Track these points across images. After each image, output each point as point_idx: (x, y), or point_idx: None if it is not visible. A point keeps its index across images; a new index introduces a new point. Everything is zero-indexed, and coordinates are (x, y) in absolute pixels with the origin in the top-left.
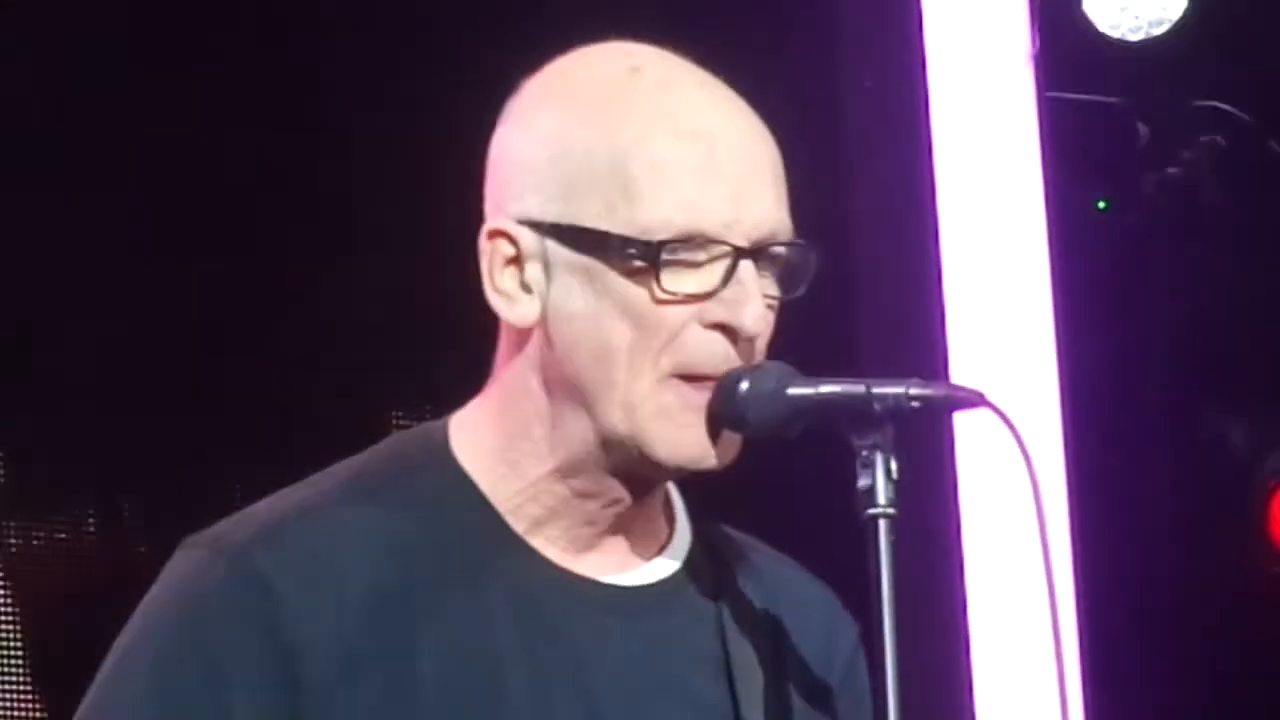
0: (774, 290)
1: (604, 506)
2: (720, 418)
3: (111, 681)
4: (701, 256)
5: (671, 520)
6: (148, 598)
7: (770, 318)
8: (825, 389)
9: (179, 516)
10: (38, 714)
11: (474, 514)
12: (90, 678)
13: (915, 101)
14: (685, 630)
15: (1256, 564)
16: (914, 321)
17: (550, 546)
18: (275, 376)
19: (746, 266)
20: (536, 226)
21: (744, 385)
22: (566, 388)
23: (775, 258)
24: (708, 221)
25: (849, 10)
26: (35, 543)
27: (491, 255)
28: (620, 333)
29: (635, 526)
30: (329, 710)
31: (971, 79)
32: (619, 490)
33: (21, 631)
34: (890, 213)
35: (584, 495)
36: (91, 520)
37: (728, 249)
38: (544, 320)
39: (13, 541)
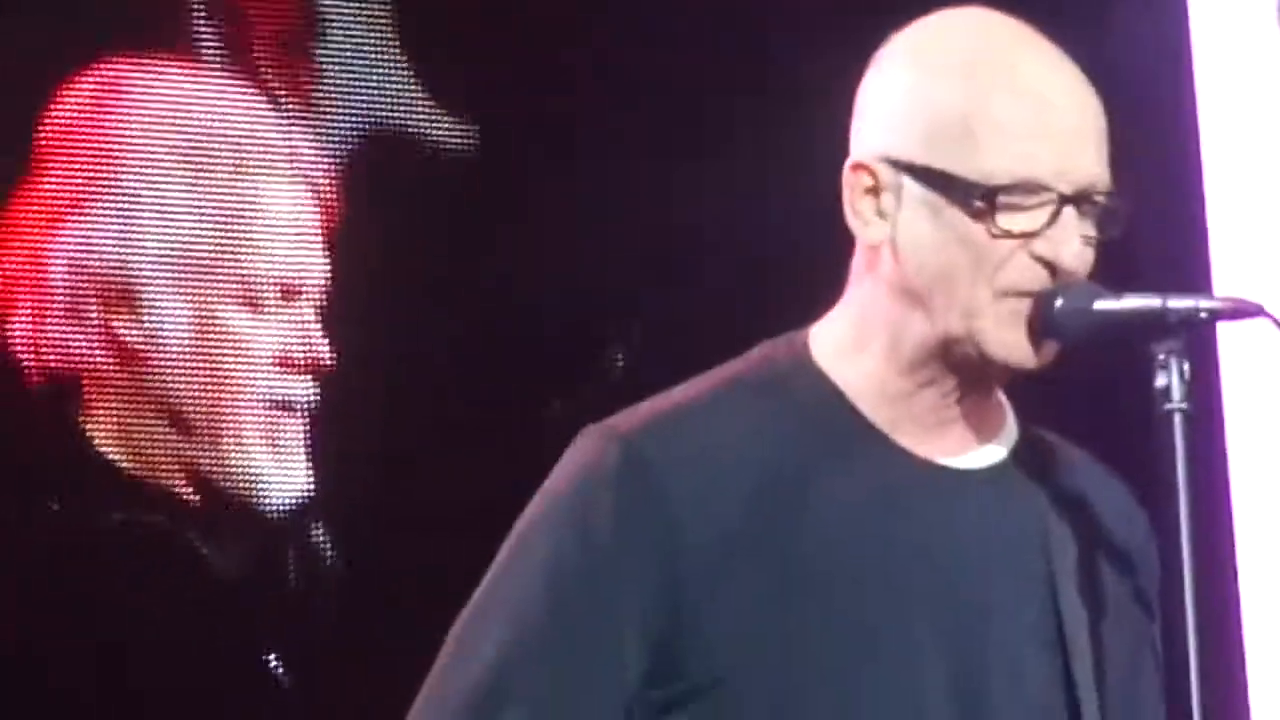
0: (1092, 231)
1: (943, 396)
2: (1039, 328)
3: (510, 562)
4: (1031, 200)
5: (1001, 417)
6: (547, 482)
7: (1089, 254)
8: (1128, 304)
9: None
10: None
11: (835, 409)
12: None
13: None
14: (1012, 509)
15: None
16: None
17: (899, 434)
18: None
19: (1069, 211)
20: (894, 164)
21: (1059, 301)
22: (912, 298)
23: (1095, 204)
24: (1038, 171)
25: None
26: None
27: (854, 185)
28: (960, 258)
29: (970, 417)
30: (711, 585)
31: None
32: (955, 382)
33: None
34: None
35: (926, 385)
36: None
37: (1054, 195)
38: (893, 241)
39: None
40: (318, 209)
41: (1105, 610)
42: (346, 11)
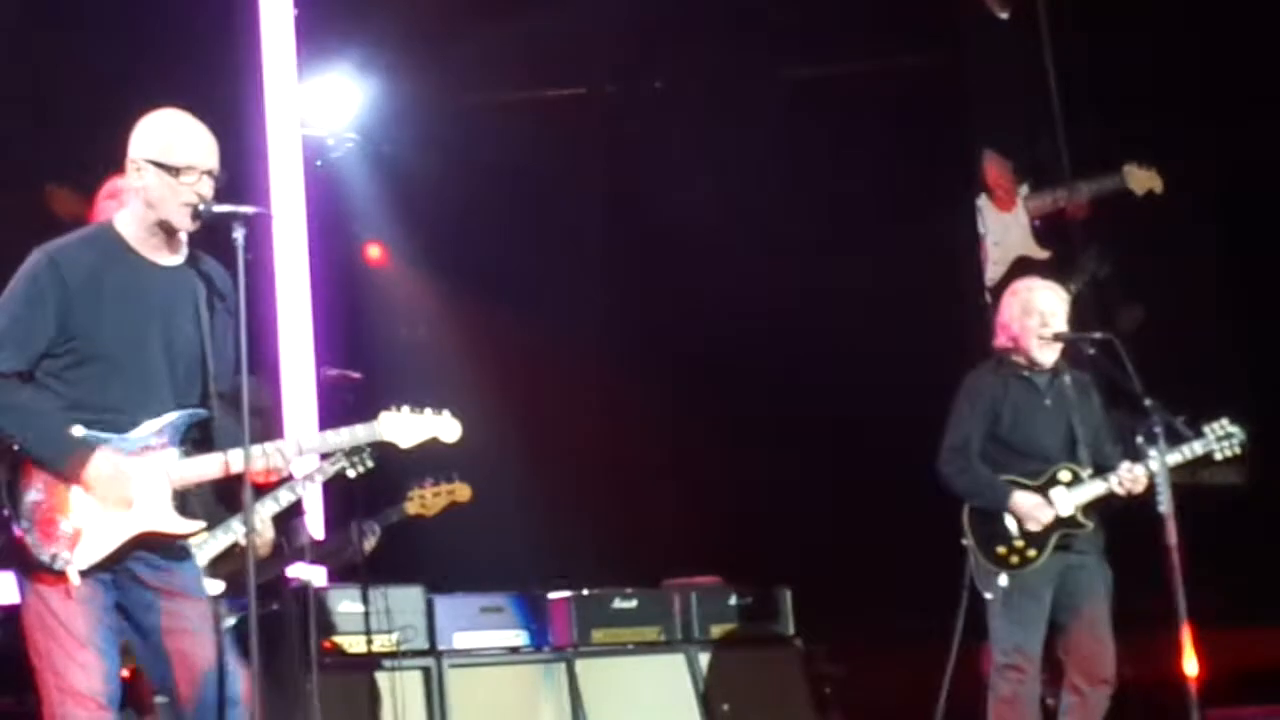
0: (212, 180)
1: (163, 236)
2: (193, 215)
3: (9, 291)
4: (192, 170)
5: (182, 245)
6: (24, 265)
7: (209, 189)
8: (224, 208)
9: None
10: None
11: (120, 242)
12: None
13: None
14: (185, 278)
15: None
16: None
17: (143, 251)
18: None
19: (205, 177)
20: (144, 158)
21: (201, 207)
22: (149, 205)
23: (213, 175)
24: (192, 161)
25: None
26: None
27: (128, 166)
28: (167, 193)
29: (173, 245)
30: (77, 299)
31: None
32: (168, 229)
33: None
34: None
35: (151, 236)
36: None
37: (199, 169)
38: (144, 185)
39: None
40: None
41: (217, 316)
42: None
